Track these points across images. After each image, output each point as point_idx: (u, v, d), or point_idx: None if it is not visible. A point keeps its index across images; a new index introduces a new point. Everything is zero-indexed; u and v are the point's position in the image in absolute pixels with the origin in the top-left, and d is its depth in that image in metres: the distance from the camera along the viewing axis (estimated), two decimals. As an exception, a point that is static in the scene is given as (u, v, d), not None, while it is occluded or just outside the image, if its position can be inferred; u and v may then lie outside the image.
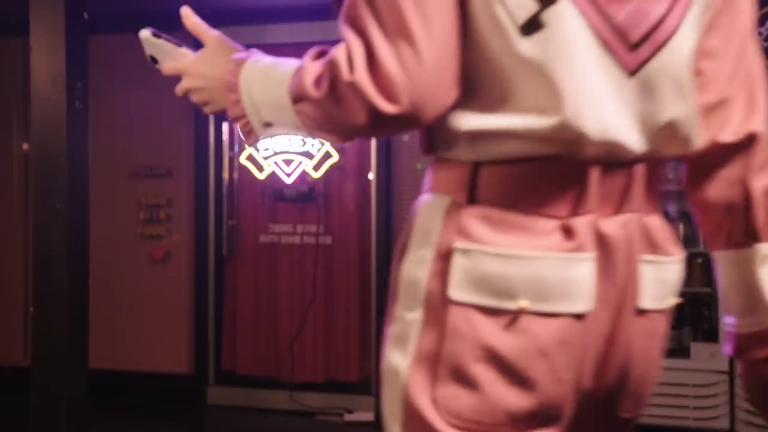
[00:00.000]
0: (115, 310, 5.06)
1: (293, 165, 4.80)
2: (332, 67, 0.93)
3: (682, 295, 4.25)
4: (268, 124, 1.05)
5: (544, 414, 0.95)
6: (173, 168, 5.11)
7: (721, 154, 1.12)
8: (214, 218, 5.07)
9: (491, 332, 0.93)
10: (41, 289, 3.07)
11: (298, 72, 0.98)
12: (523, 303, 0.93)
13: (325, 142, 4.61)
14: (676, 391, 4.05)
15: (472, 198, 0.97)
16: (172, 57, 1.24)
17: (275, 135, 1.07)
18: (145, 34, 1.26)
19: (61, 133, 3.02)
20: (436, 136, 1.02)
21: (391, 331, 1.01)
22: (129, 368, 5.11)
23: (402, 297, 1.00)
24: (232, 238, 5.06)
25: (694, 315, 4.23)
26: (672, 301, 1.10)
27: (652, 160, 1.04)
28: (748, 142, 1.10)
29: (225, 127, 5.05)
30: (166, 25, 5.88)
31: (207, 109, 1.16)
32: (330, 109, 0.93)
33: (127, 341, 5.10)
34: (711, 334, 4.07)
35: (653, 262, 1.03)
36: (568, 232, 0.95)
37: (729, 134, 1.10)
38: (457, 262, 0.95)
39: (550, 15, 0.92)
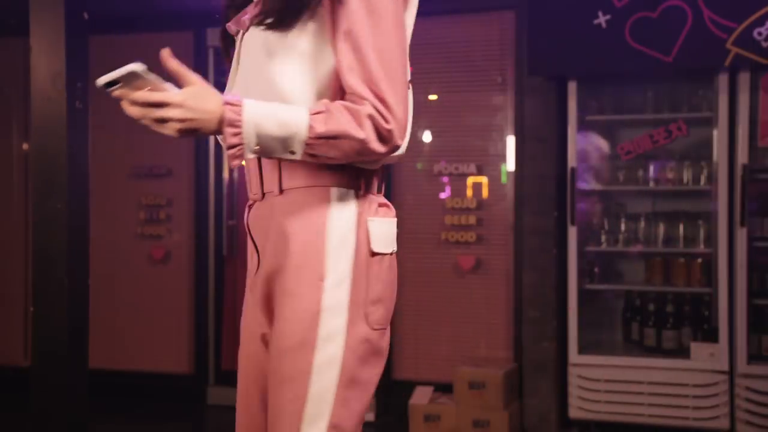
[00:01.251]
0: (115, 310, 5.06)
1: (293, 165, 4.81)
2: (373, 119, 1.38)
3: (682, 295, 4.26)
4: (255, 151, 1.40)
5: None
6: (173, 168, 5.11)
7: None
8: (214, 218, 5.07)
9: (387, 269, 1.50)
10: (41, 289, 3.07)
11: (328, 117, 1.37)
12: (395, 248, 1.53)
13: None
14: (676, 391, 4.05)
15: (367, 189, 1.50)
16: (155, 89, 1.43)
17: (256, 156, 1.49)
18: (141, 67, 1.41)
19: (61, 133, 3.02)
20: None
21: (331, 279, 1.43)
22: (129, 368, 5.11)
23: (333, 253, 1.44)
24: (232, 238, 5.06)
25: (694, 315, 4.23)
26: None
27: None
28: None
29: (225, 127, 5.04)
30: (166, 25, 5.87)
31: (185, 136, 1.45)
32: (370, 145, 1.39)
33: (127, 341, 5.11)
34: (711, 334, 4.07)
35: None
36: (388, 206, 1.55)
37: None
38: (372, 228, 1.47)
39: None
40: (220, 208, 5.08)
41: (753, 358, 4.01)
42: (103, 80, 1.39)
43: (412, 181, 4.68)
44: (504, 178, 4.59)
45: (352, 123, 1.37)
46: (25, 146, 5.25)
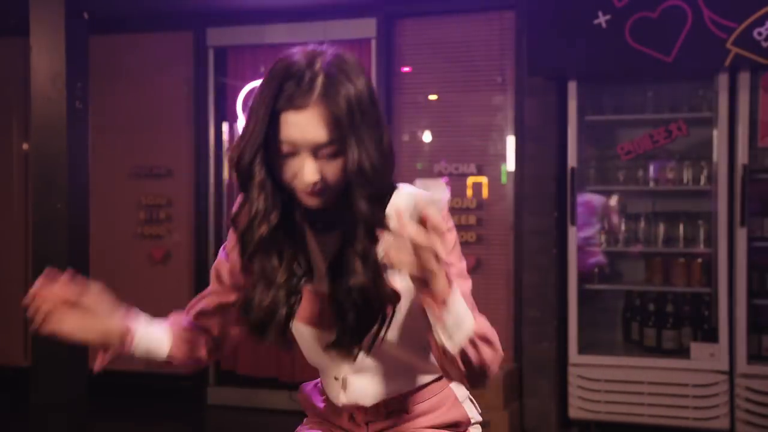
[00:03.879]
0: (115, 310, 5.05)
1: (293, 165, 4.79)
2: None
3: (682, 295, 4.25)
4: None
5: None
6: (173, 168, 5.11)
7: None
8: (214, 218, 5.07)
9: None
10: (41, 289, 3.06)
11: (483, 322, 1.41)
12: None
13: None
14: (676, 391, 4.05)
15: None
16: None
17: None
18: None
19: (61, 133, 3.02)
20: None
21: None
22: (129, 368, 5.09)
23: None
24: (232, 238, 5.05)
25: (694, 315, 4.22)
26: None
27: None
28: None
29: (225, 127, 5.04)
30: (166, 25, 5.84)
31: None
32: (497, 363, 1.39)
33: (127, 341, 5.10)
34: (711, 334, 4.07)
35: None
36: None
37: None
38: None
39: None
40: (220, 208, 5.08)
41: (753, 358, 4.01)
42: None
43: (412, 181, 4.67)
44: (504, 178, 4.59)
45: (495, 335, 1.39)
46: (25, 146, 5.25)
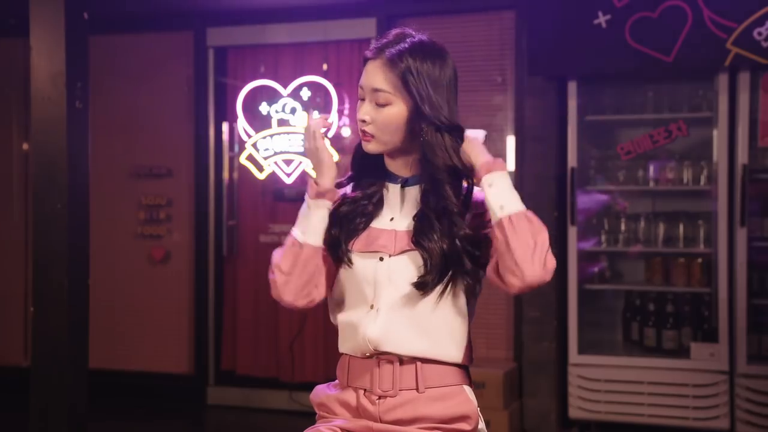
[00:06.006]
0: (115, 310, 5.06)
1: (293, 165, 4.80)
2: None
3: (682, 295, 4.25)
4: None
5: None
6: (173, 168, 5.11)
7: None
8: (214, 218, 5.07)
9: None
10: (41, 289, 3.07)
11: None
12: None
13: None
14: (676, 391, 4.05)
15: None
16: None
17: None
18: None
19: (61, 133, 3.02)
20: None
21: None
22: (129, 368, 5.11)
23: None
24: (232, 238, 5.06)
25: (694, 315, 4.22)
26: None
27: None
28: None
29: (225, 127, 5.04)
30: (166, 25, 5.83)
31: None
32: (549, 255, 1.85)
33: (127, 341, 5.10)
34: (711, 334, 4.07)
35: None
36: None
37: None
38: None
39: None
40: (220, 208, 5.08)
41: (753, 358, 4.01)
42: None
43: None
44: (504, 178, 4.59)
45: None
46: (25, 146, 5.25)
